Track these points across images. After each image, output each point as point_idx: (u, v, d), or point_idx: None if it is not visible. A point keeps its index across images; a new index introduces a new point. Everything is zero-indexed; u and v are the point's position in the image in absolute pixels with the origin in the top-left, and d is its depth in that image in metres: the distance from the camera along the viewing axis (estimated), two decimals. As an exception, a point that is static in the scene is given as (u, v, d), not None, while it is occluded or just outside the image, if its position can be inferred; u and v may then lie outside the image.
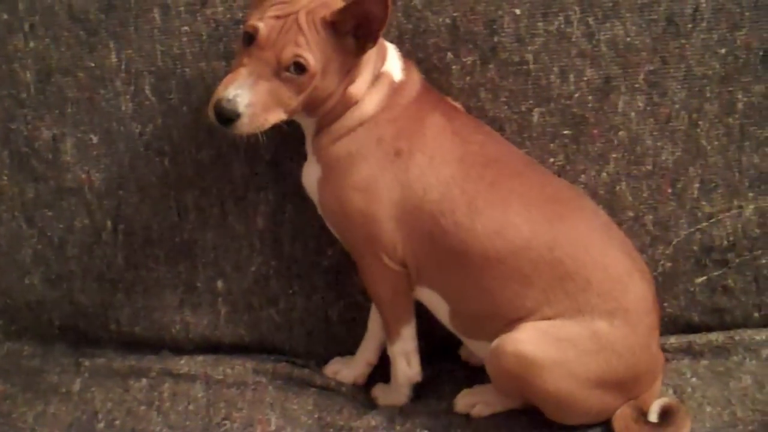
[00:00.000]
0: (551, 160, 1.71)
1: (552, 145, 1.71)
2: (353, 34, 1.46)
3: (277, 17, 1.44)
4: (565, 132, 1.70)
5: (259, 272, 1.81)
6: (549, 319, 1.48)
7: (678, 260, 1.75)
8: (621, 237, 1.58)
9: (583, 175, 1.72)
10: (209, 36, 1.69)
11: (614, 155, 1.71)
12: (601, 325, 1.47)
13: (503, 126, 1.70)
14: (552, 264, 1.49)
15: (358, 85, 1.53)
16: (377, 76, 1.55)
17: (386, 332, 1.67)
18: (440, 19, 1.66)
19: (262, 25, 1.43)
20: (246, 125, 1.43)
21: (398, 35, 1.66)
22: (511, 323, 1.51)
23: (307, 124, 1.59)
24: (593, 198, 1.66)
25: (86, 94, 1.73)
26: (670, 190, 1.72)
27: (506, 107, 1.70)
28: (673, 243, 1.74)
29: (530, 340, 1.47)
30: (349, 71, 1.51)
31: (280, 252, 1.79)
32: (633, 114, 1.69)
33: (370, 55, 1.51)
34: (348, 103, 1.54)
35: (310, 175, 1.61)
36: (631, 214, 1.73)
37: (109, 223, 1.79)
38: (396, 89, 1.56)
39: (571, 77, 1.67)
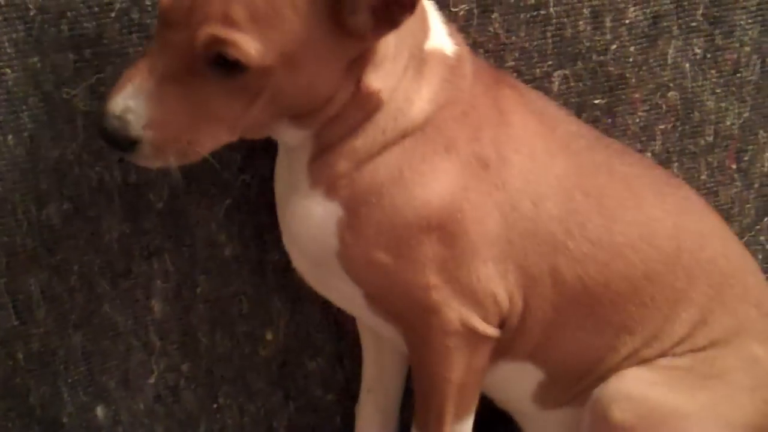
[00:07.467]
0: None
1: (580, 119, 1.16)
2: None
3: None
4: (597, 101, 1.16)
5: (161, 385, 1.12)
6: (703, 350, 1.03)
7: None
8: None
9: (622, 159, 1.20)
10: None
11: (662, 126, 1.20)
12: (757, 349, 1.05)
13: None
14: (707, 267, 1.04)
15: (383, 76, 0.92)
16: (421, 58, 0.95)
17: (429, 427, 1.04)
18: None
19: None
20: (149, 156, 0.87)
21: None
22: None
23: (295, 141, 0.96)
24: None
25: None
26: (734, 167, 1.24)
27: (515, 72, 1.12)
28: (744, 239, 1.26)
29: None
30: (355, 59, 0.89)
31: (192, 349, 1.11)
32: (687, 66, 1.18)
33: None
34: (368, 105, 0.92)
35: (312, 216, 0.96)
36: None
37: None
38: (453, 70, 0.97)
39: (607, 21, 1.13)
